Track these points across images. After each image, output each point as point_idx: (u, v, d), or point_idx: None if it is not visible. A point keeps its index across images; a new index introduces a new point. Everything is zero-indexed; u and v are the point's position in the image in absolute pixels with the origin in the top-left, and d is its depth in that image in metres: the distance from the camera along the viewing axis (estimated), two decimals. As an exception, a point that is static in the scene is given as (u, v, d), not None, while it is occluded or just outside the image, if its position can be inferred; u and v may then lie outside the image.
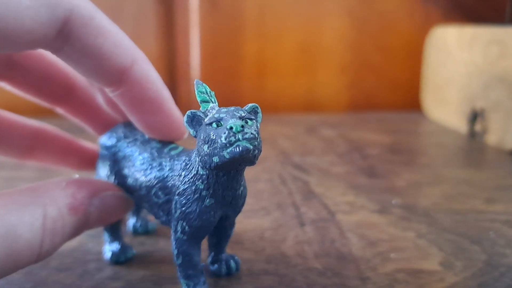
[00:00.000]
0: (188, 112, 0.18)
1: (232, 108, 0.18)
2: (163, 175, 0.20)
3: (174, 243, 0.19)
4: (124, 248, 0.24)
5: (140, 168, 0.21)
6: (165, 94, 0.21)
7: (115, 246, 0.24)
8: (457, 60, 0.54)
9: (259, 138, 0.17)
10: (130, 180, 0.21)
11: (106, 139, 0.23)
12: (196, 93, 0.19)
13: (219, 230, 0.22)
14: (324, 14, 0.65)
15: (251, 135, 0.17)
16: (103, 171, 0.23)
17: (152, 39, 0.63)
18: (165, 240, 0.26)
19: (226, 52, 0.64)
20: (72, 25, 0.18)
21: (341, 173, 0.38)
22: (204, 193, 0.19)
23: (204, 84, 0.19)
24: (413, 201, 0.32)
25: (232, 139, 0.17)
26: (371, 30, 0.66)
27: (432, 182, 0.36)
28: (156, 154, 0.21)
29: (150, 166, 0.21)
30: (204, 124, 0.18)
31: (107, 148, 0.23)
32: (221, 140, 0.17)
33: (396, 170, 0.39)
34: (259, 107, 0.19)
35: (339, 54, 0.66)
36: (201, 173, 0.18)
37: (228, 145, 0.17)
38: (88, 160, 0.26)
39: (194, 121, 0.18)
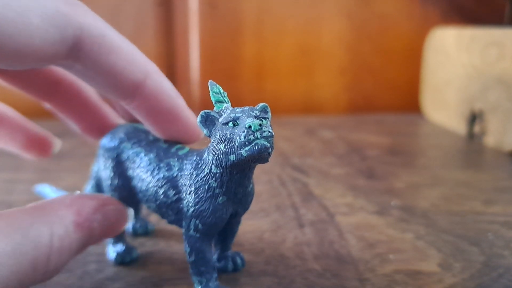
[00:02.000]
0: (202, 112, 0.19)
1: (247, 108, 0.18)
2: (172, 175, 0.20)
3: (187, 241, 0.20)
4: (128, 248, 0.24)
5: (147, 169, 0.21)
6: (180, 103, 0.21)
7: (120, 247, 0.24)
8: (456, 62, 0.54)
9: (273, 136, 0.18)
10: (135, 181, 0.22)
11: (108, 141, 0.23)
12: (210, 93, 0.19)
13: (226, 228, 0.22)
14: (323, 16, 0.65)
15: (269, 134, 0.17)
16: (105, 173, 0.23)
17: (152, 41, 0.63)
18: (165, 241, 0.26)
19: (225, 54, 0.64)
20: (83, 43, 0.18)
21: (340, 174, 0.39)
22: (217, 191, 0.19)
23: (217, 85, 0.19)
24: (412, 203, 0.32)
25: (251, 137, 0.17)
26: (370, 32, 0.66)
27: (430, 184, 0.36)
28: (162, 154, 0.21)
29: (157, 167, 0.21)
30: (220, 123, 0.18)
31: (109, 149, 0.23)
32: (239, 139, 0.17)
33: (395, 171, 0.39)
34: (268, 107, 0.19)
35: (338, 56, 0.66)
36: (214, 171, 0.19)
37: (247, 143, 0.17)
38: (97, 127, 0.25)
39: (208, 121, 0.19)
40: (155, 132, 0.22)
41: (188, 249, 0.20)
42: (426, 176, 0.39)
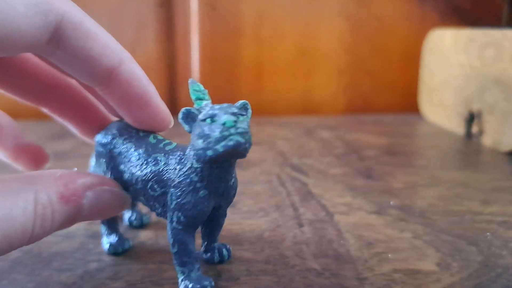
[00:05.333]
0: (183, 109, 0.19)
1: (225, 105, 0.19)
2: (158, 169, 0.21)
3: (170, 232, 0.20)
4: (121, 239, 0.25)
5: (136, 163, 0.22)
6: (151, 89, 0.22)
7: (113, 238, 0.25)
8: (454, 63, 0.54)
9: (250, 133, 0.19)
10: (126, 175, 0.22)
11: (101, 137, 0.24)
12: (190, 91, 0.20)
13: (212, 221, 0.23)
14: (322, 17, 0.65)
15: (243, 130, 0.18)
16: (99, 168, 0.23)
17: (152, 42, 0.63)
18: (165, 239, 0.26)
19: (225, 55, 0.65)
20: (64, 29, 0.19)
21: (338, 174, 0.39)
22: (198, 185, 0.20)
23: (198, 83, 0.20)
24: (410, 203, 0.32)
25: (226, 133, 0.18)
26: (368, 34, 0.66)
27: (429, 184, 0.37)
28: (151, 149, 0.22)
29: (145, 161, 0.21)
30: (199, 120, 0.19)
31: (103, 145, 0.23)
32: (215, 135, 0.18)
33: (393, 171, 0.40)
34: (248, 104, 0.20)
35: (336, 57, 0.67)
36: (195, 166, 0.20)
37: (222, 139, 0.18)
38: (95, 128, 0.26)
39: (189, 117, 0.19)
40: (127, 118, 0.23)
41: (171, 240, 0.20)
42: (424, 176, 0.39)
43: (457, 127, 0.53)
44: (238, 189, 0.34)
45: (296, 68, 0.66)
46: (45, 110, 0.26)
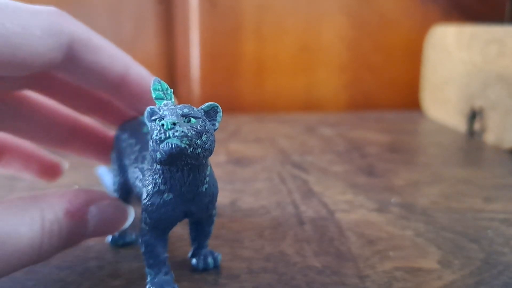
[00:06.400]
0: (148, 108, 0.19)
1: (180, 105, 0.18)
2: (143, 167, 0.21)
3: (140, 232, 0.20)
4: (123, 233, 0.25)
5: (132, 161, 0.22)
6: None
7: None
8: (456, 59, 0.54)
9: (206, 136, 0.18)
10: (129, 176, 0.23)
11: (117, 132, 0.25)
12: (151, 90, 0.19)
13: (197, 226, 0.22)
14: (323, 13, 0.65)
15: (182, 133, 0.17)
16: (112, 162, 0.25)
17: (152, 38, 0.63)
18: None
19: (225, 52, 0.64)
20: (75, 47, 0.21)
21: (340, 172, 0.39)
22: (162, 187, 0.19)
23: (162, 82, 0.19)
24: (412, 200, 0.32)
25: (162, 136, 0.17)
26: (370, 30, 0.66)
27: (430, 181, 0.36)
28: (145, 146, 0.22)
29: (137, 159, 0.22)
30: (151, 121, 0.18)
31: (116, 139, 0.24)
32: (154, 135, 0.17)
33: (395, 169, 0.40)
34: (219, 107, 0.19)
35: (338, 53, 0.66)
36: (158, 168, 0.19)
37: (159, 141, 0.17)
38: None
39: (153, 115, 0.18)
40: (138, 114, 0.25)
41: (139, 240, 0.20)
42: (426, 173, 0.39)
43: (460, 124, 0.53)
44: (238, 187, 0.34)
45: (298, 65, 0.66)
46: (64, 152, 0.28)
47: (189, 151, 0.17)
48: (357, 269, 0.23)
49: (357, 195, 0.33)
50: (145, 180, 0.20)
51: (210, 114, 0.19)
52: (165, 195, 0.19)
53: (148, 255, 0.20)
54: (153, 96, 0.19)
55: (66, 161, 0.29)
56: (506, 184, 0.36)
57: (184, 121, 0.17)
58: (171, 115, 0.17)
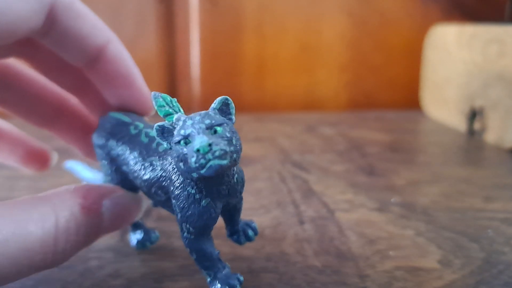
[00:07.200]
0: (155, 126, 0.18)
1: (198, 117, 0.17)
2: (157, 175, 0.20)
3: (184, 242, 0.20)
4: (147, 234, 0.25)
5: (135, 168, 0.21)
6: (136, 71, 0.23)
7: (139, 234, 0.25)
8: (456, 59, 0.54)
9: (235, 138, 0.17)
10: (130, 177, 0.22)
11: (96, 138, 0.23)
12: (156, 108, 0.18)
13: (230, 208, 0.21)
14: (324, 13, 0.65)
15: (221, 152, 0.16)
16: (105, 169, 0.23)
17: (152, 38, 0.63)
18: (166, 237, 0.26)
19: (226, 51, 0.64)
20: (56, 10, 0.20)
21: (340, 171, 0.39)
22: (197, 196, 0.18)
23: (162, 95, 0.19)
24: (412, 200, 0.32)
25: (203, 161, 0.16)
26: (371, 29, 0.66)
27: (431, 181, 0.36)
28: (145, 152, 0.21)
29: (143, 166, 0.21)
30: (173, 142, 0.17)
31: (100, 147, 0.23)
32: (192, 164, 0.16)
33: (395, 168, 0.40)
34: (229, 98, 0.18)
35: (338, 53, 0.66)
36: (188, 180, 0.18)
37: (200, 167, 0.16)
38: None
39: (165, 133, 0.18)
40: (110, 98, 0.24)
41: (187, 249, 0.20)
42: (426, 173, 0.39)
43: (460, 123, 0.53)
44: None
45: (298, 64, 0.66)
46: (48, 132, 0.26)
47: (229, 163, 0.17)
48: (357, 269, 0.23)
49: (357, 194, 0.33)
50: (171, 191, 0.19)
51: (223, 109, 0.18)
52: (203, 201, 0.19)
53: (202, 259, 0.20)
54: (161, 114, 0.18)
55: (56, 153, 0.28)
56: (506, 184, 0.36)
57: (212, 134, 0.17)
58: (198, 134, 0.17)
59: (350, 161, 0.41)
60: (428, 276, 0.22)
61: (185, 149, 0.17)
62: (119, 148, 0.22)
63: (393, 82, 0.68)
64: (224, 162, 0.16)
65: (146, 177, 0.20)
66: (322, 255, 0.24)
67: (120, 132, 0.22)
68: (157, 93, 0.19)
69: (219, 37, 0.64)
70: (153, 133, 0.18)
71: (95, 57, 0.22)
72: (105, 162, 0.23)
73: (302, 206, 0.31)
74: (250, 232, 0.22)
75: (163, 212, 0.29)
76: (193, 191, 0.18)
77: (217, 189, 0.19)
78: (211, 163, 0.16)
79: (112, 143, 0.22)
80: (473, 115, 0.50)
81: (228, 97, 0.18)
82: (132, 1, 0.62)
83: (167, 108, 0.18)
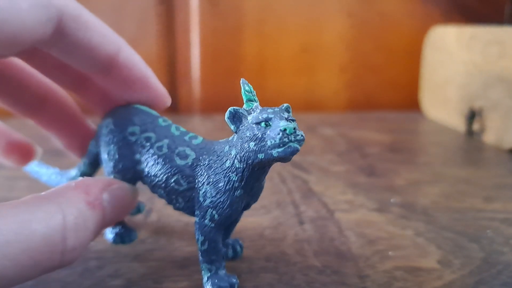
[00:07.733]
0: (230, 109, 0.19)
1: (277, 109, 0.19)
2: (187, 163, 0.21)
3: (200, 230, 0.20)
4: (128, 230, 0.25)
5: (158, 155, 0.21)
6: (149, 72, 0.23)
7: (118, 229, 0.25)
8: (456, 60, 0.54)
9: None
10: (143, 166, 0.22)
11: (114, 123, 0.23)
12: (242, 91, 0.20)
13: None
14: (324, 14, 0.65)
15: (301, 137, 0.18)
16: (108, 154, 0.23)
17: (153, 39, 0.63)
18: (166, 238, 0.26)
19: (226, 52, 0.64)
20: (65, 22, 0.20)
21: (340, 172, 0.39)
22: (236, 184, 0.20)
23: (248, 84, 0.20)
24: (412, 200, 0.32)
25: (286, 140, 0.18)
26: (371, 30, 0.66)
27: (431, 181, 0.36)
28: (176, 142, 0.21)
29: (169, 154, 0.21)
30: (250, 122, 0.19)
31: (114, 131, 0.23)
32: (274, 141, 0.18)
33: (395, 169, 0.40)
34: (290, 107, 0.20)
35: (338, 54, 0.66)
36: (237, 166, 0.19)
37: (281, 145, 0.18)
38: (83, 142, 0.26)
39: (236, 117, 0.19)
40: (130, 101, 0.24)
41: (201, 238, 0.20)
42: (426, 173, 0.39)
43: (460, 124, 0.53)
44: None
45: (299, 65, 0.66)
46: (31, 122, 0.26)
47: (298, 151, 0.18)
48: (357, 269, 0.23)
49: (357, 195, 0.33)
50: (205, 177, 0.20)
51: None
52: (238, 191, 0.20)
53: (212, 252, 0.20)
54: (245, 98, 0.20)
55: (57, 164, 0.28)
56: (506, 184, 0.36)
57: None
58: (281, 119, 0.18)
59: (350, 162, 0.42)
60: (427, 276, 0.22)
61: (263, 130, 0.18)
62: (143, 135, 0.22)
63: (393, 82, 0.68)
64: (299, 147, 0.18)
65: (172, 164, 0.21)
66: (322, 255, 0.24)
67: (146, 121, 0.23)
68: (245, 80, 0.20)
69: (219, 37, 0.64)
70: (225, 115, 0.19)
71: (107, 66, 0.22)
72: (112, 146, 0.23)
73: (302, 207, 0.31)
74: (238, 248, 0.24)
75: (163, 212, 0.29)
76: (235, 178, 0.20)
77: (253, 184, 0.20)
78: (291, 144, 0.18)
79: (134, 128, 0.22)
80: (472, 115, 0.50)
81: (289, 105, 0.20)
82: (132, 2, 0.62)
83: (251, 95, 0.20)
